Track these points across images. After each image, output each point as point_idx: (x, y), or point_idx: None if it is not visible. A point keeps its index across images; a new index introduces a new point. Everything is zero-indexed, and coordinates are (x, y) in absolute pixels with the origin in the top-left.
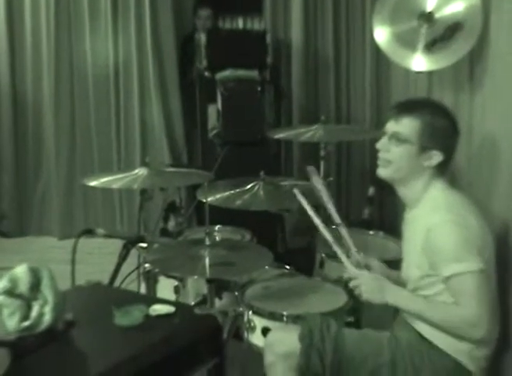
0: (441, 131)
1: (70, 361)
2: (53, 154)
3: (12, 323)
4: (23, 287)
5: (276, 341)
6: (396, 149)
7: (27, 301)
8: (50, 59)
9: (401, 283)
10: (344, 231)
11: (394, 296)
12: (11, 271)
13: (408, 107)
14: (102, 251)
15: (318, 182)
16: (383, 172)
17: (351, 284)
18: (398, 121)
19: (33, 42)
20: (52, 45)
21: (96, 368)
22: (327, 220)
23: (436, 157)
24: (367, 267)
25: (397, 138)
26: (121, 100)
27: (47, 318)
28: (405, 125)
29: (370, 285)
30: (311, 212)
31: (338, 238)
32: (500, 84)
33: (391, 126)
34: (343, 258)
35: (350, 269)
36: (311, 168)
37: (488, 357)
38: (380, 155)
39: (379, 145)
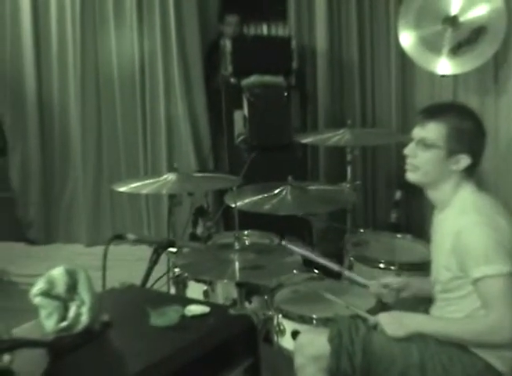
0: (468, 134)
1: (107, 361)
2: (80, 161)
3: (50, 323)
4: (60, 288)
5: (306, 344)
6: (423, 154)
7: (64, 302)
8: (76, 66)
9: (424, 285)
10: (349, 273)
11: (415, 325)
12: (48, 273)
13: (433, 112)
14: (131, 257)
15: (300, 250)
16: (412, 177)
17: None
18: (424, 126)
19: (58, 47)
20: (78, 52)
21: (133, 368)
22: None
23: (464, 160)
24: (385, 286)
25: (424, 143)
26: (147, 106)
27: (84, 318)
28: (432, 130)
29: (389, 323)
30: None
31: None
32: None
33: (418, 132)
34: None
35: (368, 318)
36: (285, 242)
37: None
38: (409, 161)
39: (407, 151)
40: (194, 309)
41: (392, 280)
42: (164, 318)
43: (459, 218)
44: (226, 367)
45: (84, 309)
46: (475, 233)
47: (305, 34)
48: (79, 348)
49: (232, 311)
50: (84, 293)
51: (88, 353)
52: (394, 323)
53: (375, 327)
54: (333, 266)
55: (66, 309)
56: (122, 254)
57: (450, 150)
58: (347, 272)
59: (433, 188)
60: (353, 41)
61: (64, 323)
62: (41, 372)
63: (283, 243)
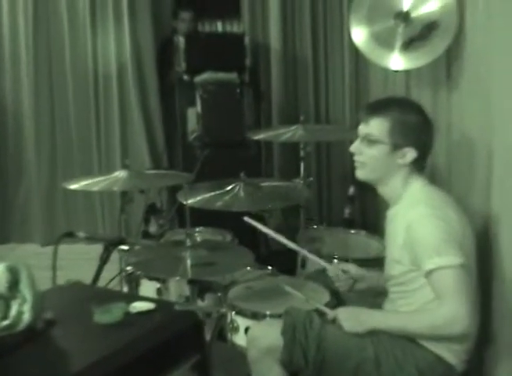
0: (412, 127)
1: (50, 360)
2: (33, 159)
3: None
4: (1, 286)
5: (258, 336)
6: (369, 150)
7: (5, 300)
8: (29, 64)
9: (380, 280)
10: (308, 254)
11: (373, 321)
12: None
13: (376, 108)
14: (85, 256)
15: (261, 227)
16: (360, 174)
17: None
18: (368, 122)
19: (10, 44)
20: (30, 50)
21: (76, 366)
22: None
23: (410, 153)
24: (344, 272)
25: (368, 139)
26: (101, 104)
27: (26, 317)
28: (375, 126)
29: (347, 319)
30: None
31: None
32: (476, 81)
33: (362, 128)
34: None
35: (327, 312)
36: (247, 219)
37: (469, 350)
38: (355, 158)
39: (352, 148)
40: (139, 306)
41: (352, 267)
42: (108, 315)
43: (409, 211)
44: (172, 364)
45: (27, 307)
46: (425, 225)
47: (259, 31)
48: (21, 346)
49: (177, 307)
50: (26, 290)
51: (31, 352)
52: (352, 320)
53: (333, 321)
54: (293, 246)
55: (7, 307)
56: (77, 253)
57: (395, 144)
58: (306, 253)
59: (383, 184)
60: (307, 38)
61: (6, 322)
62: None
63: (245, 219)
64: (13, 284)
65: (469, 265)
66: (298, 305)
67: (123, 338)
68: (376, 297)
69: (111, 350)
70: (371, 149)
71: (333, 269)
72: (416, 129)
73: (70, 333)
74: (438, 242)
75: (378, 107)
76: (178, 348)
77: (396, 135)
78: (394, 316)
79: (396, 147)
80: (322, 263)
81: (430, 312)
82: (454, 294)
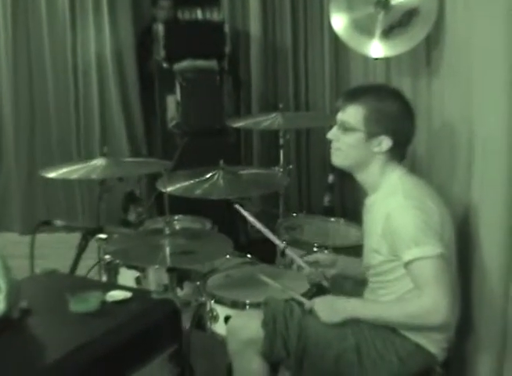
0: (387, 115)
1: (26, 349)
2: (12, 148)
3: None
4: None
5: (239, 327)
6: (345, 138)
7: None
8: (8, 50)
9: (351, 266)
10: (290, 252)
11: (350, 310)
12: None
13: (352, 95)
14: (64, 245)
15: (248, 216)
16: (336, 161)
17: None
18: (344, 109)
19: None
20: (9, 36)
21: (52, 356)
22: None
23: (385, 141)
24: (316, 263)
25: (344, 127)
26: (80, 92)
27: (1, 306)
28: (351, 113)
29: (324, 309)
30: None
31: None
32: (457, 69)
33: (339, 116)
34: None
35: (304, 302)
36: (237, 206)
37: (449, 339)
38: (332, 145)
39: (329, 135)
40: (116, 295)
41: (319, 256)
42: (84, 304)
43: (387, 201)
44: (150, 353)
45: (1, 297)
46: (404, 215)
47: (239, 18)
48: None
49: (154, 295)
50: (0, 280)
51: (6, 342)
52: (328, 309)
53: (310, 311)
54: (276, 241)
55: None
56: (56, 242)
57: (370, 132)
58: (288, 251)
59: (359, 171)
60: (286, 26)
61: None
62: None
63: (236, 206)
64: None
65: (448, 255)
66: (277, 295)
67: (99, 328)
68: (356, 285)
69: (87, 339)
70: (347, 136)
71: (310, 271)
72: (392, 117)
73: (46, 322)
74: (417, 232)
75: (355, 94)
76: (156, 338)
77: (371, 123)
78: (371, 305)
79: (371, 135)
80: (302, 264)
81: (408, 302)
82: (433, 284)
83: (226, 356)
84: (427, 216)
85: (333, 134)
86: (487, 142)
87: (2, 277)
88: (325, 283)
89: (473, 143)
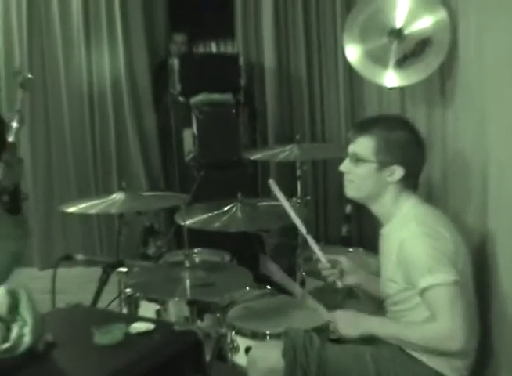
0: (397, 144)
1: None
2: (30, 183)
3: None
4: (1, 309)
5: (259, 358)
6: (357, 169)
7: (5, 323)
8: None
9: (376, 278)
10: (311, 240)
11: (369, 326)
12: None
13: (362, 126)
14: (84, 279)
15: (280, 195)
16: (349, 193)
17: (330, 327)
18: (355, 141)
19: (6, 68)
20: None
21: None
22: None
23: (397, 171)
24: (336, 263)
25: (356, 158)
26: (97, 126)
27: (26, 339)
28: (361, 145)
29: (344, 321)
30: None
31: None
32: (470, 98)
33: (350, 148)
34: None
35: (324, 314)
36: (272, 182)
37: (469, 366)
38: (345, 177)
39: (342, 167)
40: (139, 327)
41: (343, 259)
42: (108, 336)
43: (401, 230)
44: None
45: (27, 330)
46: (417, 243)
47: (253, 50)
48: (22, 369)
49: (177, 327)
50: (26, 313)
51: (32, 374)
52: (349, 322)
53: (328, 324)
54: (302, 228)
55: (8, 330)
56: (75, 276)
57: (381, 162)
58: (310, 239)
59: (373, 203)
60: (301, 57)
61: (6, 345)
62: None
63: (269, 182)
64: (13, 307)
65: (463, 282)
66: (297, 325)
67: (123, 359)
68: (377, 306)
69: (112, 371)
70: (359, 168)
71: (324, 264)
72: (402, 146)
73: (70, 355)
74: (430, 260)
75: (364, 126)
76: (179, 369)
77: (382, 153)
78: (389, 324)
79: (383, 165)
80: (322, 257)
81: (425, 326)
82: (448, 311)
83: None
84: (441, 244)
85: (345, 166)
86: (502, 168)
87: (28, 311)
88: (338, 284)
89: (487, 170)
